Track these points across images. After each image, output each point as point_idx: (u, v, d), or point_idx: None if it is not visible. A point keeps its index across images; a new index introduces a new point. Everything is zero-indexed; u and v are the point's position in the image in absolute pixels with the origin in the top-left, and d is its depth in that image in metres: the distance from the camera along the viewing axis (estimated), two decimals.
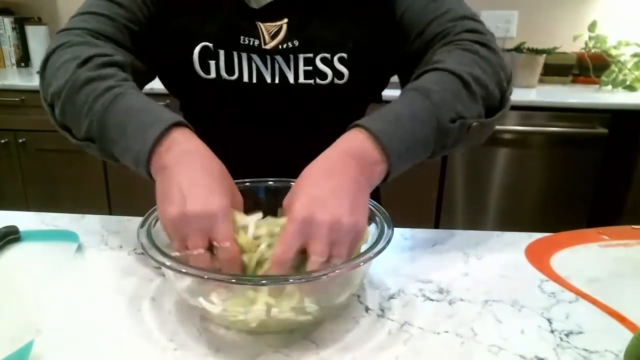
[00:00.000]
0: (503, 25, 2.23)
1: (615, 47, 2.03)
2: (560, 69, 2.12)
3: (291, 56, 0.69)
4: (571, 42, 2.14)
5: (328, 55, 0.68)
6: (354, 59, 0.69)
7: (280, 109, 0.72)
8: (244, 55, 0.68)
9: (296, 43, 0.68)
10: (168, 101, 0.85)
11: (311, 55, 0.68)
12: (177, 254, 0.47)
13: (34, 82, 2.01)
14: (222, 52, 0.68)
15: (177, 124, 0.53)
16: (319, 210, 0.45)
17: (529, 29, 2.23)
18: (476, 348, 0.48)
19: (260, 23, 0.69)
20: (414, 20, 0.68)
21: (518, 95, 1.85)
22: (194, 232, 0.45)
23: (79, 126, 0.58)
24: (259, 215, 0.51)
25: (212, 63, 0.68)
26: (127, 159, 0.54)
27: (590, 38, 2.06)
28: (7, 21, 2.27)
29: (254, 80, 0.69)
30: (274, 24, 0.69)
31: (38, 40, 2.30)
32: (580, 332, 0.51)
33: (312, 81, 0.69)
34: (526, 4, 2.22)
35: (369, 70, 0.71)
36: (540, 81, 2.08)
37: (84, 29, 0.64)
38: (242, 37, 0.68)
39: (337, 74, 0.69)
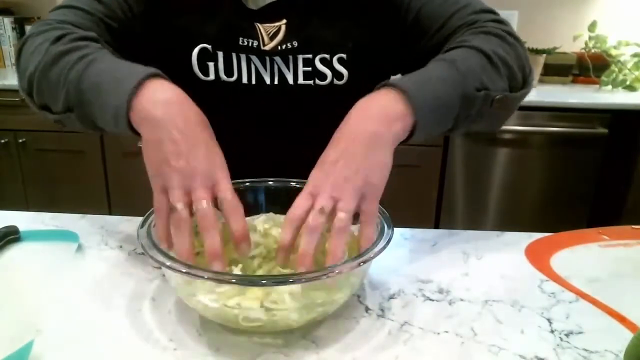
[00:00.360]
0: None
1: (615, 47, 2.03)
2: (560, 69, 2.12)
3: (290, 57, 0.69)
4: (571, 42, 2.14)
5: (327, 56, 0.68)
6: (353, 59, 0.69)
7: (279, 110, 0.72)
8: (243, 57, 0.68)
9: (295, 44, 0.68)
10: None
11: (310, 56, 0.68)
12: (181, 205, 0.46)
13: None
14: (220, 54, 0.68)
15: (153, 75, 0.52)
16: (324, 173, 0.48)
17: (529, 29, 2.23)
18: (476, 348, 0.48)
19: (259, 24, 0.69)
20: (434, 14, 0.67)
21: None
22: (199, 186, 0.46)
23: (57, 99, 0.57)
24: (262, 216, 0.52)
25: (211, 65, 0.68)
26: (106, 118, 0.53)
27: (590, 38, 2.06)
28: (7, 21, 2.27)
29: (253, 82, 0.69)
30: (272, 24, 0.69)
31: None
32: (580, 332, 0.51)
33: (311, 82, 0.69)
34: (526, 4, 2.22)
35: (369, 71, 0.71)
36: (540, 81, 2.08)
37: (57, 20, 0.64)
38: (240, 39, 0.68)
39: (337, 74, 0.69)
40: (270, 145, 0.74)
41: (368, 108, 0.52)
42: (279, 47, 0.68)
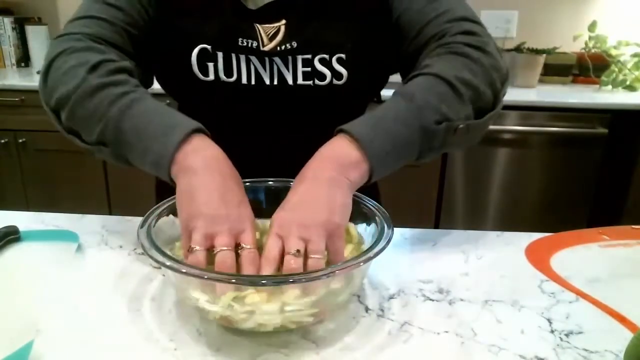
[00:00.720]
0: (503, 25, 2.23)
1: (615, 47, 2.03)
2: (560, 69, 2.12)
3: (289, 57, 0.68)
4: (571, 42, 2.14)
5: (326, 56, 0.68)
6: (352, 59, 0.69)
7: (279, 110, 0.72)
8: (242, 57, 0.68)
9: (294, 44, 0.68)
10: (168, 101, 0.85)
11: (309, 56, 0.68)
12: (197, 247, 0.47)
13: (34, 82, 2.01)
14: (220, 54, 0.68)
15: (197, 130, 0.55)
16: (291, 214, 0.49)
17: (529, 29, 2.23)
18: (476, 348, 0.48)
19: (258, 25, 0.69)
20: (411, 21, 0.68)
21: (518, 95, 1.85)
22: (225, 231, 0.48)
23: (91, 130, 0.58)
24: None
25: (211, 65, 0.68)
26: (145, 161, 0.55)
27: (590, 38, 2.06)
28: (7, 21, 2.27)
29: (253, 82, 0.69)
30: (272, 25, 0.69)
31: (38, 40, 2.30)
32: (580, 332, 0.51)
33: (310, 82, 0.69)
34: (526, 4, 2.22)
35: (368, 71, 0.71)
36: (540, 81, 2.08)
37: (84, 33, 0.64)
38: (240, 39, 0.68)
39: (336, 74, 0.69)
40: (270, 145, 0.74)
41: (326, 156, 0.54)
42: (278, 48, 0.68)
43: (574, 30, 2.15)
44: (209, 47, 0.68)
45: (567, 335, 0.50)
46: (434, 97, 0.58)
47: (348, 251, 0.54)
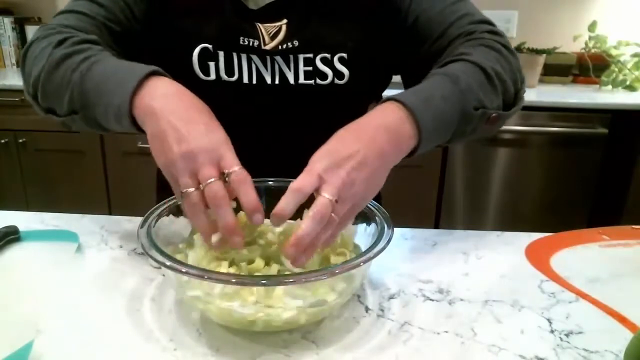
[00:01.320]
0: (503, 25, 2.23)
1: (615, 47, 2.03)
2: (560, 69, 2.12)
3: (291, 56, 0.68)
4: (571, 42, 2.14)
5: (328, 55, 0.68)
6: (354, 58, 0.69)
7: (280, 109, 0.72)
8: (244, 56, 0.68)
9: (296, 43, 0.68)
10: None
11: (311, 55, 0.68)
12: (189, 189, 0.46)
13: None
14: (221, 54, 0.68)
15: (154, 73, 0.53)
16: (335, 168, 0.47)
17: (529, 29, 2.23)
18: (476, 348, 0.48)
19: (259, 24, 0.69)
20: (432, 23, 0.68)
21: None
22: (204, 164, 0.46)
23: (61, 101, 0.58)
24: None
25: (212, 64, 0.68)
26: (110, 117, 0.54)
27: (590, 38, 2.06)
28: (7, 21, 2.27)
29: (254, 81, 0.69)
30: (273, 24, 0.69)
31: None
32: (580, 332, 0.51)
33: (312, 81, 0.69)
34: (526, 4, 2.22)
35: (370, 70, 0.71)
36: (540, 81, 2.08)
37: (60, 24, 0.65)
38: (241, 38, 0.68)
39: (338, 74, 0.69)
40: (271, 144, 0.74)
41: (379, 121, 0.52)
42: (280, 47, 0.68)
43: (574, 30, 2.15)
44: (210, 46, 0.68)
45: (567, 335, 0.50)
46: (474, 83, 0.59)
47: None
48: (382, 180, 0.51)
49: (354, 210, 0.49)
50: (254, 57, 0.69)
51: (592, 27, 2.06)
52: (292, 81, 0.69)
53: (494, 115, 0.60)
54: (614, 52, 2.02)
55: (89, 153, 2.00)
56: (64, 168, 2.03)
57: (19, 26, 2.30)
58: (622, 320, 0.53)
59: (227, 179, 0.47)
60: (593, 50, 2.06)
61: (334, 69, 0.69)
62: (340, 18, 0.69)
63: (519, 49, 2.06)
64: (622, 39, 2.04)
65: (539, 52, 2.02)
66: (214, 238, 0.48)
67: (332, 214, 0.46)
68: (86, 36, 0.62)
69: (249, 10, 0.69)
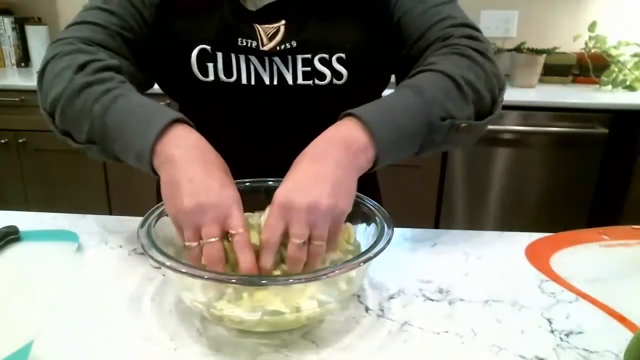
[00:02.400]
0: (503, 25, 2.23)
1: (615, 47, 2.03)
2: (560, 69, 2.12)
3: (289, 57, 0.68)
4: (571, 42, 2.14)
5: (326, 56, 0.68)
6: (352, 59, 0.69)
7: (279, 110, 0.72)
8: (242, 57, 0.68)
9: (294, 44, 0.68)
10: (168, 101, 0.85)
11: (309, 55, 0.68)
12: (191, 244, 0.47)
13: (34, 82, 1.99)
14: (220, 55, 0.68)
15: (178, 120, 0.54)
16: (297, 195, 0.47)
17: (529, 29, 2.23)
18: (476, 348, 0.48)
19: (257, 25, 0.69)
20: (413, 24, 0.68)
21: (518, 95, 1.85)
22: (209, 221, 0.47)
23: (80, 130, 0.59)
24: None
25: (210, 65, 0.68)
26: (129, 155, 0.55)
27: (590, 38, 2.06)
28: (7, 21, 2.27)
29: (253, 82, 0.69)
30: (271, 25, 0.69)
31: (38, 40, 2.29)
32: (580, 332, 0.51)
33: (310, 82, 0.69)
34: (526, 4, 2.22)
35: (368, 70, 0.71)
36: (540, 81, 2.07)
37: (76, 37, 0.65)
38: (239, 39, 0.68)
39: (336, 74, 0.69)
40: (270, 145, 0.74)
41: (333, 137, 0.53)
42: (278, 48, 0.68)
43: (574, 30, 2.15)
44: (208, 47, 0.68)
45: (567, 335, 0.50)
46: (440, 93, 0.58)
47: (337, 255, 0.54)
48: (349, 187, 0.50)
49: (338, 221, 0.49)
50: (252, 58, 0.69)
51: (592, 27, 2.05)
52: (290, 82, 0.69)
53: (463, 125, 0.58)
54: (614, 52, 2.02)
55: None
56: (64, 168, 2.03)
57: (19, 26, 2.30)
58: (622, 320, 0.53)
59: (230, 238, 0.48)
60: (593, 50, 2.06)
61: (333, 69, 0.69)
62: (338, 19, 0.69)
63: (519, 49, 2.06)
64: (622, 39, 2.03)
65: (539, 52, 2.02)
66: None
67: (314, 243, 0.47)
68: (108, 62, 0.62)
69: (247, 12, 0.69)
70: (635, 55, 2.00)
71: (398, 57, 0.72)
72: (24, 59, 2.33)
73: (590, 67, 2.04)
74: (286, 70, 0.69)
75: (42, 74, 0.64)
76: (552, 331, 0.51)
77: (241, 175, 0.61)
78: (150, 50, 0.71)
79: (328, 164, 0.50)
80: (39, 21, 2.35)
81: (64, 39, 0.65)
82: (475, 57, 0.62)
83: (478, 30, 0.67)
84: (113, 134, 0.56)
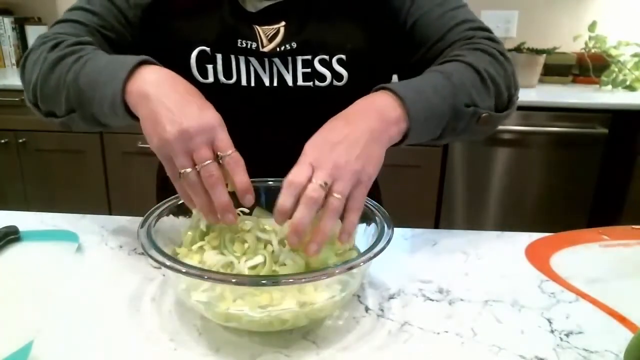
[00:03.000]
0: (503, 25, 2.23)
1: (615, 47, 2.03)
2: (560, 69, 2.12)
3: (289, 58, 0.68)
4: (571, 42, 2.14)
5: (327, 57, 0.68)
6: (352, 60, 0.69)
7: (279, 111, 0.72)
8: (242, 59, 0.68)
9: (294, 45, 0.68)
10: None
11: (309, 57, 0.68)
12: (186, 170, 0.48)
13: None
14: (219, 56, 0.68)
15: (144, 62, 0.55)
16: (326, 150, 0.49)
17: (529, 29, 2.23)
18: (476, 348, 0.48)
19: (257, 27, 0.69)
20: (430, 27, 0.69)
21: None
22: (198, 144, 0.48)
23: (59, 103, 0.60)
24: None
25: (210, 67, 0.68)
26: (105, 109, 0.55)
27: (590, 38, 2.06)
28: (7, 21, 2.27)
29: (252, 84, 0.69)
30: (271, 27, 0.69)
31: None
32: (580, 332, 0.51)
33: (310, 83, 0.69)
34: (526, 4, 2.22)
35: (368, 72, 0.71)
36: (540, 81, 2.07)
37: (55, 33, 0.66)
38: (239, 41, 0.68)
39: (336, 75, 0.69)
40: (270, 145, 0.74)
41: (368, 106, 0.55)
42: (278, 49, 0.68)
43: (574, 30, 2.15)
44: (207, 49, 0.67)
45: (567, 335, 0.50)
46: (467, 81, 0.60)
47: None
48: (378, 155, 0.51)
49: (361, 187, 0.49)
50: (252, 60, 0.68)
51: (592, 27, 2.05)
52: (290, 83, 0.69)
53: (484, 114, 0.61)
54: (614, 52, 2.02)
55: (89, 153, 2.00)
56: (64, 168, 2.03)
57: (19, 26, 2.30)
58: (622, 320, 0.53)
59: (220, 161, 0.49)
60: (593, 51, 2.06)
61: (333, 70, 0.69)
62: (338, 20, 0.69)
63: (519, 49, 2.06)
64: (622, 39, 2.03)
65: (539, 52, 2.02)
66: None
67: (334, 195, 0.47)
68: (79, 38, 0.63)
69: (247, 13, 0.69)
70: (635, 55, 2.00)
71: (402, 58, 0.72)
72: None
73: (590, 67, 2.04)
74: (286, 72, 0.69)
75: (22, 69, 0.65)
76: (552, 331, 0.51)
77: None
78: (138, 51, 0.71)
79: (361, 128, 0.51)
80: (39, 21, 2.35)
81: (44, 35, 0.66)
82: (497, 55, 0.65)
83: (493, 33, 0.69)
84: (87, 94, 0.56)
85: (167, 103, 0.49)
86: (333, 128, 0.52)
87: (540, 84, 2.07)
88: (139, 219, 0.53)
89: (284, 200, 0.47)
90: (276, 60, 0.68)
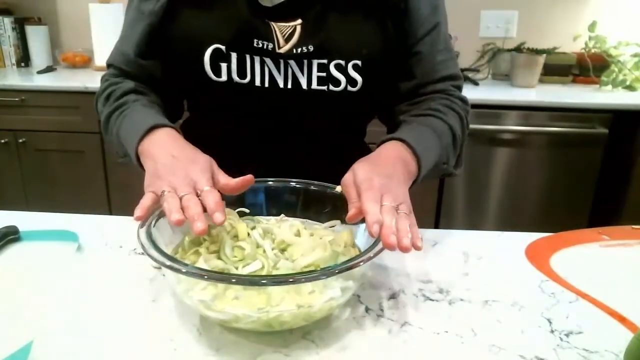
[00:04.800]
0: (503, 25, 2.23)
1: (615, 47, 2.03)
2: (560, 69, 2.12)
3: (305, 61, 0.67)
4: (571, 42, 2.14)
5: (342, 62, 0.67)
6: (367, 66, 0.68)
7: (291, 113, 0.71)
8: (257, 59, 0.67)
9: (311, 48, 0.67)
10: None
11: (325, 61, 0.67)
12: (168, 190, 0.53)
13: (34, 82, 2.00)
14: (234, 55, 0.67)
15: (158, 126, 0.63)
16: (386, 187, 0.55)
17: (529, 29, 2.23)
18: (476, 348, 0.48)
19: (273, 23, 0.67)
20: (424, 69, 0.73)
21: (518, 95, 1.85)
22: (183, 183, 0.53)
23: (117, 150, 0.73)
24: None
25: (224, 66, 0.67)
26: (133, 160, 0.65)
27: (590, 38, 2.06)
28: (7, 21, 2.26)
29: (266, 85, 0.68)
30: (287, 24, 0.68)
31: (38, 40, 2.30)
32: (580, 332, 0.51)
33: (325, 87, 0.68)
34: (526, 4, 2.22)
35: (383, 79, 0.71)
36: (540, 81, 2.07)
37: (109, 77, 0.76)
38: (255, 40, 0.67)
39: (351, 81, 0.68)
40: (280, 146, 0.74)
41: (397, 156, 0.62)
42: (294, 51, 0.67)
43: (574, 30, 2.15)
44: (222, 47, 0.67)
45: (567, 335, 0.50)
46: (448, 143, 0.70)
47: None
48: (407, 193, 0.58)
49: (400, 201, 0.55)
50: (267, 60, 0.68)
51: (592, 27, 2.06)
52: (304, 86, 0.68)
53: (450, 171, 0.74)
54: (614, 52, 2.02)
55: (89, 153, 2.00)
56: (64, 168, 2.03)
57: (19, 26, 2.30)
58: (622, 320, 0.53)
59: (199, 197, 0.53)
60: (593, 50, 2.06)
61: (348, 76, 0.68)
62: (356, 21, 0.68)
63: (519, 49, 2.06)
64: (622, 39, 2.04)
65: (539, 52, 2.02)
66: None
67: (401, 207, 0.54)
68: (125, 87, 0.72)
69: (263, 8, 0.68)
70: (635, 55, 2.00)
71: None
72: (24, 59, 2.33)
73: (590, 67, 2.04)
74: (301, 75, 0.68)
75: (96, 110, 0.77)
76: (552, 331, 0.51)
77: (254, 176, 0.62)
78: (162, 45, 0.71)
79: (398, 171, 0.59)
80: (39, 21, 2.35)
81: (104, 79, 0.76)
82: (464, 119, 0.74)
83: (462, 83, 0.78)
84: (123, 148, 0.68)
85: (163, 159, 0.58)
86: (375, 164, 0.59)
87: (540, 84, 2.07)
88: None
89: (374, 211, 0.51)
90: (292, 62, 0.68)
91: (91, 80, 1.99)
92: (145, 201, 0.54)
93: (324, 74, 0.68)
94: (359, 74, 0.68)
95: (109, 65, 0.77)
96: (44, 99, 1.94)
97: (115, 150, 0.74)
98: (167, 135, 0.63)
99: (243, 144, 0.75)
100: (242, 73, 0.68)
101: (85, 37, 2.24)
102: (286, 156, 0.73)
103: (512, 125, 1.80)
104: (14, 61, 2.31)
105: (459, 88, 0.77)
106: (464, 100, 0.76)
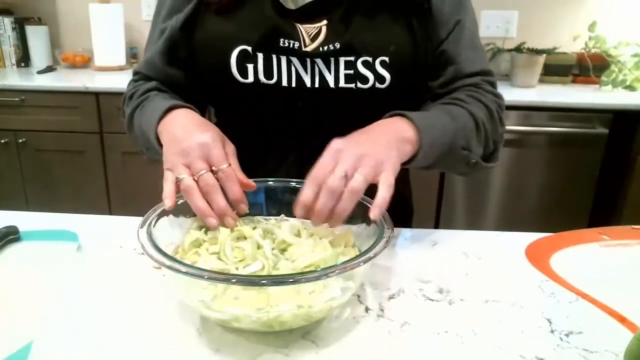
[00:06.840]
0: (503, 25, 2.23)
1: (615, 47, 2.03)
2: (560, 69, 2.12)
3: (332, 59, 0.67)
4: (571, 42, 2.14)
5: (370, 59, 0.67)
6: (395, 63, 0.67)
7: (319, 113, 0.70)
8: (284, 59, 0.67)
9: (337, 45, 0.66)
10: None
11: (352, 58, 0.67)
12: (183, 175, 0.55)
13: (34, 82, 2.01)
14: (260, 56, 0.67)
15: (176, 106, 0.65)
16: (351, 145, 0.54)
17: (529, 29, 2.23)
18: (476, 348, 0.48)
19: (299, 24, 0.67)
20: (451, 66, 0.72)
21: (518, 95, 1.85)
22: (196, 157, 0.55)
23: (141, 144, 0.74)
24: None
25: (250, 67, 0.67)
26: (152, 145, 0.66)
27: (590, 38, 2.06)
28: (7, 21, 2.27)
29: (293, 85, 0.68)
30: (313, 25, 0.67)
31: (38, 40, 2.30)
32: (580, 332, 0.51)
33: (352, 85, 0.68)
34: (526, 4, 2.22)
35: (411, 75, 0.70)
36: (540, 81, 2.07)
37: (136, 77, 0.77)
38: (281, 40, 0.66)
39: (379, 78, 0.67)
40: (309, 148, 0.73)
41: (387, 125, 0.60)
42: (321, 49, 0.67)
43: (574, 30, 2.15)
44: (249, 48, 0.66)
45: (567, 335, 0.50)
46: (468, 127, 0.66)
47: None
48: (396, 158, 0.56)
49: (386, 170, 0.53)
50: (294, 60, 0.67)
51: (592, 27, 2.06)
52: (332, 84, 0.68)
53: (474, 160, 0.68)
54: (614, 52, 2.02)
55: (89, 153, 2.00)
56: (64, 168, 2.03)
57: (19, 26, 2.30)
58: (622, 320, 0.53)
59: (215, 175, 0.55)
60: (593, 51, 2.06)
61: (376, 72, 0.67)
62: (382, 19, 0.68)
63: (519, 49, 2.06)
64: (622, 39, 2.04)
65: (539, 52, 2.02)
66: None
67: (355, 177, 0.52)
68: (147, 85, 0.73)
69: (288, 10, 0.68)
70: (635, 55, 2.00)
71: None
72: (24, 59, 2.34)
73: (590, 67, 2.04)
74: (328, 73, 0.68)
75: (123, 102, 0.78)
76: (552, 331, 0.51)
77: (276, 175, 0.66)
78: (189, 48, 0.72)
79: (382, 137, 0.57)
80: (39, 21, 2.35)
81: (132, 79, 0.78)
82: (495, 112, 0.71)
83: (496, 83, 0.75)
84: (145, 140, 0.69)
85: (179, 133, 0.59)
86: (355, 135, 0.57)
87: (540, 84, 2.07)
88: (139, 219, 0.53)
89: (306, 193, 0.51)
90: (318, 60, 0.67)
91: (91, 81, 1.99)
92: (169, 189, 0.55)
93: (351, 72, 0.67)
94: (386, 70, 0.67)
95: (135, 73, 0.78)
96: (44, 99, 1.94)
97: (139, 148, 0.76)
98: (183, 112, 0.64)
99: (271, 146, 0.74)
100: (268, 73, 0.68)
101: (85, 37, 2.25)
102: (316, 156, 0.73)
103: (512, 125, 1.80)
104: (14, 61, 2.31)
105: (491, 83, 0.75)
106: (496, 94, 0.74)
